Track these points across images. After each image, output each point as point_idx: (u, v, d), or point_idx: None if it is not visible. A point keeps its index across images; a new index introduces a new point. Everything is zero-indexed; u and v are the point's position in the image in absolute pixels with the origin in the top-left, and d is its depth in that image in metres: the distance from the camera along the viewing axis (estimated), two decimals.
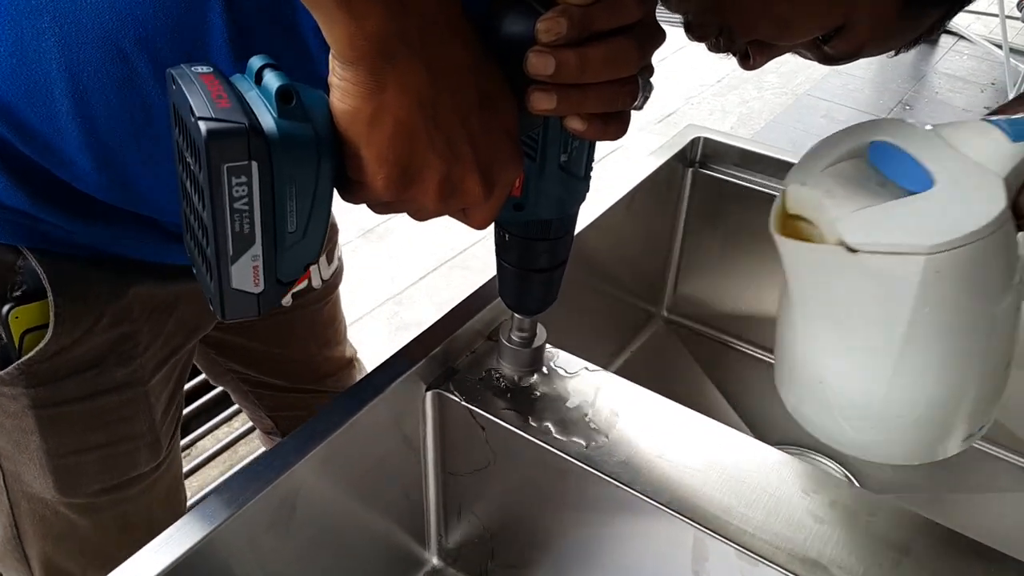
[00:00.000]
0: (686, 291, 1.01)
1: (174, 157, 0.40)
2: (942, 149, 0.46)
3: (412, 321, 1.82)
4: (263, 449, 1.16)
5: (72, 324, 0.52)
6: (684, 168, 0.91)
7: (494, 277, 0.69)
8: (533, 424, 0.58)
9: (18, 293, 0.51)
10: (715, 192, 0.91)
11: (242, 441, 1.44)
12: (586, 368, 0.63)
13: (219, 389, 1.48)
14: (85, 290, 0.52)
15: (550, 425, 0.58)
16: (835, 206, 0.46)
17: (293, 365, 0.81)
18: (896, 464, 0.55)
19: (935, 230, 0.43)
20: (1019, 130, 0.45)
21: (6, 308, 0.51)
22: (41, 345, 0.52)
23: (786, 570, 0.49)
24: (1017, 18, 3.07)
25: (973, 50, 3.44)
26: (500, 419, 0.59)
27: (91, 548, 0.63)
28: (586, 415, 0.59)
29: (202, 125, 0.34)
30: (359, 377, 0.88)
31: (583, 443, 0.57)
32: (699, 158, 0.91)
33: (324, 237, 0.40)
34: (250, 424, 1.44)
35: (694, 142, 0.90)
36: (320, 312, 0.79)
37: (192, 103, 0.34)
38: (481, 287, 0.68)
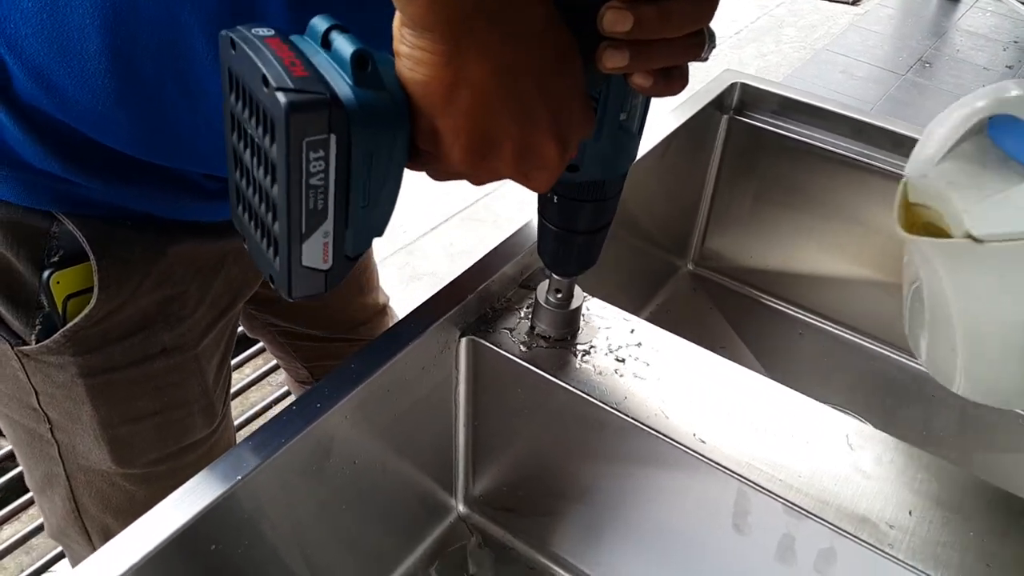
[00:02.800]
0: (714, 244, 0.99)
1: (225, 126, 0.37)
2: None
3: (424, 271, 1.80)
4: None
5: (117, 287, 0.50)
6: (720, 115, 0.88)
7: (525, 225, 0.67)
8: (569, 372, 0.57)
9: (56, 258, 0.49)
10: (751, 141, 0.88)
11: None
12: (623, 317, 0.61)
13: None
14: (127, 251, 0.50)
15: (587, 373, 0.56)
16: (960, 196, 0.45)
17: (329, 314, 0.80)
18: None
19: None
20: None
21: (46, 274, 0.49)
22: (87, 310, 0.50)
23: (834, 525, 0.48)
24: None
25: (996, 7, 3.36)
26: (535, 366, 0.57)
27: None
28: (623, 364, 0.57)
29: (281, 97, 0.31)
30: (391, 323, 0.87)
31: (621, 392, 0.55)
32: (736, 104, 0.88)
33: (392, 210, 0.38)
34: (284, 390, 1.44)
35: (731, 88, 0.87)
36: None
37: (266, 71, 0.31)
38: (513, 234, 0.66)
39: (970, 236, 0.44)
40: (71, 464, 0.59)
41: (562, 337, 0.59)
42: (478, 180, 0.39)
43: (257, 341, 0.96)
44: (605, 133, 0.43)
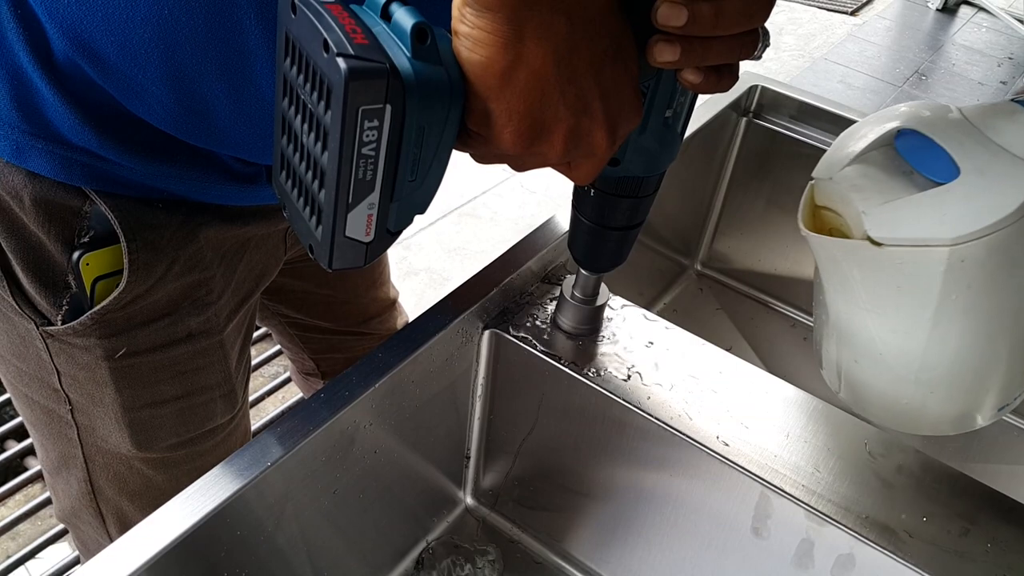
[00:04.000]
0: (723, 246, 0.99)
1: (277, 93, 0.36)
2: (969, 135, 0.45)
3: (421, 267, 1.79)
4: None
5: (147, 270, 0.50)
6: (738, 117, 0.89)
7: (548, 220, 0.67)
8: (591, 369, 0.57)
9: (86, 239, 0.48)
10: (766, 145, 0.88)
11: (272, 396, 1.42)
12: (645, 316, 0.61)
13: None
14: (157, 234, 0.49)
15: (609, 371, 0.56)
16: (861, 200, 0.47)
17: (341, 307, 0.80)
18: (929, 435, 0.56)
19: (959, 221, 0.43)
20: None
21: (76, 255, 0.48)
22: (116, 292, 0.49)
23: (855, 532, 0.48)
24: None
25: (992, 23, 3.39)
26: (557, 362, 0.57)
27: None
28: (646, 363, 0.57)
29: (341, 63, 0.30)
30: (401, 319, 0.87)
31: (643, 391, 0.55)
32: (754, 107, 0.88)
33: (437, 188, 0.37)
34: (284, 376, 1.43)
35: (751, 90, 0.87)
36: None
37: (327, 36, 0.31)
38: (536, 229, 0.66)
39: (869, 238, 0.45)
40: (89, 446, 0.58)
41: (585, 333, 0.59)
42: (522, 165, 0.39)
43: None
44: (650, 128, 0.43)
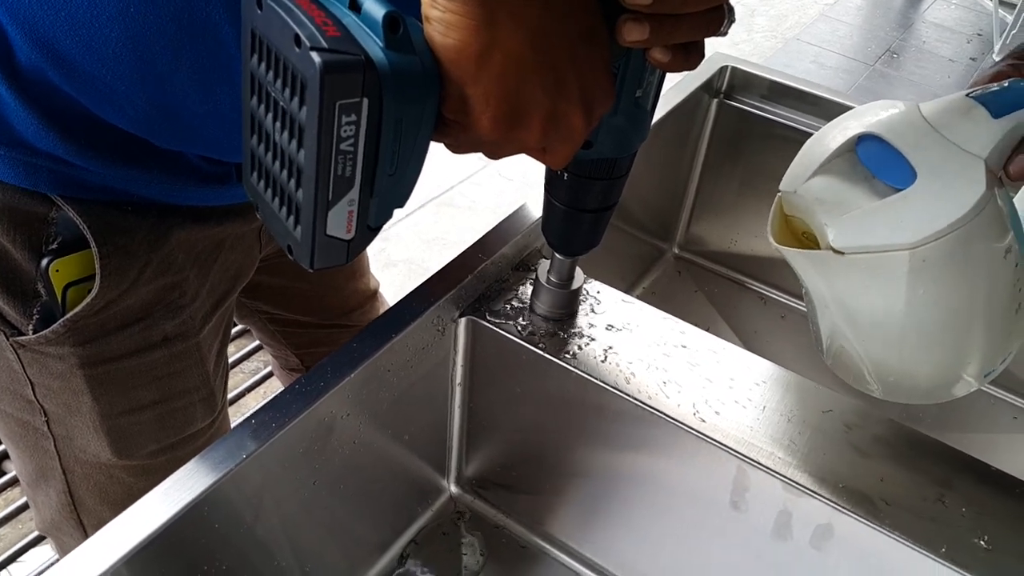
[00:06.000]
0: (699, 228, 0.99)
1: (245, 90, 0.36)
2: (926, 135, 0.47)
3: (399, 258, 1.79)
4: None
5: (119, 275, 0.49)
6: (709, 99, 0.89)
7: (521, 207, 0.67)
8: (568, 353, 0.57)
9: (54, 245, 0.47)
10: (739, 125, 0.89)
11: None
12: (622, 299, 0.62)
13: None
14: (127, 238, 0.49)
15: (587, 354, 0.57)
16: (824, 212, 0.49)
17: (320, 300, 0.79)
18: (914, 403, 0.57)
19: (917, 226, 0.45)
20: (1000, 105, 0.46)
21: (45, 261, 0.47)
22: (89, 299, 0.48)
23: (832, 501, 0.49)
24: None
25: (960, 0, 3.42)
26: (534, 346, 0.57)
27: None
28: (623, 345, 0.57)
29: (315, 56, 0.29)
30: (383, 310, 0.86)
31: (621, 373, 0.55)
32: (725, 88, 0.88)
33: (416, 180, 0.37)
34: (265, 371, 1.42)
35: (721, 71, 0.87)
36: None
37: (299, 30, 0.30)
38: (509, 216, 0.66)
39: (832, 248, 0.48)
40: (68, 457, 0.57)
41: (561, 317, 0.59)
42: (498, 152, 0.38)
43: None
44: (621, 109, 0.43)
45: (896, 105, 0.49)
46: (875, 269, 0.47)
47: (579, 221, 0.51)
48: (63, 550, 0.66)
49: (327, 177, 0.33)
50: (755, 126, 0.89)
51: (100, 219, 0.47)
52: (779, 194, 0.53)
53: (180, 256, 0.53)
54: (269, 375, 1.42)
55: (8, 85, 0.42)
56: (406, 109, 0.33)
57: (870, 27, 3.20)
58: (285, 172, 0.34)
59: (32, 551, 1.13)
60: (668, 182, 0.96)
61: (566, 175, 0.48)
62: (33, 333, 0.50)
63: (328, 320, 0.81)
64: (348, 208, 0.34)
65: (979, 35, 3.15)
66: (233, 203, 0.55)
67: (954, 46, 3.07)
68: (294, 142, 0.33)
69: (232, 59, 0.42)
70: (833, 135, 0.50)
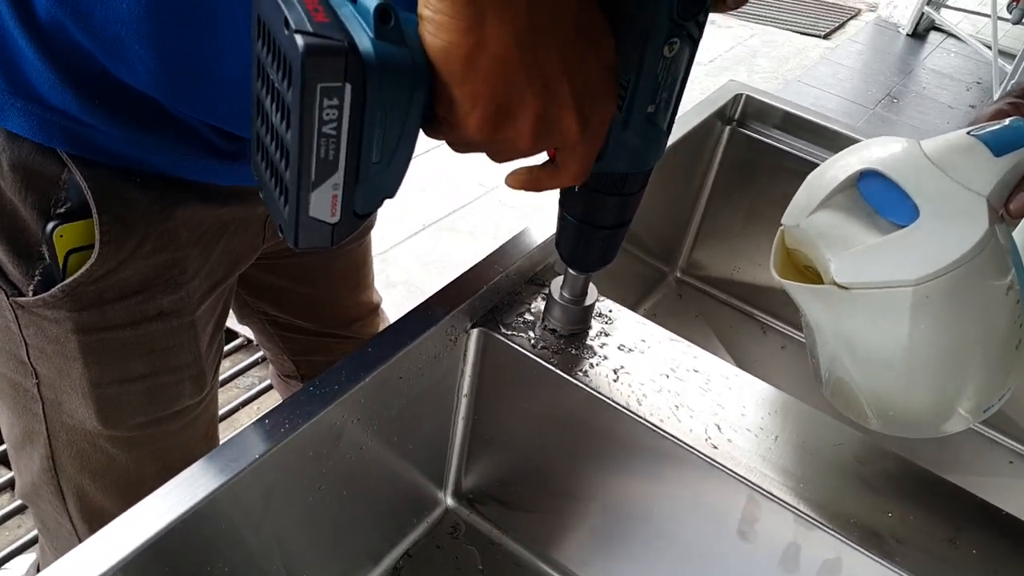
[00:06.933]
0: (702, 254, 1.00)
1: (252, 75, 0.37)
2: (928, 173, 0.47)
3: (399, 279, 1.77)
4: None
5: (117, 244, 0.49)
6: (722, 125, 0.89)
7: (536, 223, 0.66)
8: (580, 370, 0.56)
9: (62, 210, 0.48)
10: (750, 154, 0.89)
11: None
12: (636, 320, 0.61)
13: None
14: (128, 209, 0.49)
15: (598, 372, 0.56)
16: (827, 247, 0.49)
17: (323, 308, 0.79)
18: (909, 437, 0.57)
19: (920, 263, 0.46)
20: (1002, 143, 0.47)
21: (51, 226, 0.48)
22: (87, 266, 0.49)
23: (843, 537, 0.48)
24: (1007, 19, 3.09)
25: (960, 48, 3.48)
26: (546, 361, 0.56)
27: (128, 485, 0.61)
28: (635, 365, 0.57)
29: (299, 39, 0.31)
30: (383, 325, 0.86)
31: (632, 393, 0.55)
32: (738, 116, 0.89)
33: (405, 172, 0.37)
34: (260, 387, 1.40)
35: (736, 99, 0.88)
36: (353, 253, 0.77)
37: (288, 14, 0.31)
38: (522, 232, 0.66)
39: (835, 283, 0.48)
40: (54, 422, 0.57)
41: (573, 334, 0.59)
42: (496, 155, 0.39)
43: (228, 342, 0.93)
44: (632, 124, 0.42)
45: (898, 142, 0.49)
46: (878, 304, 0.48)
47: (592, 237, 0.50)
48: (40, 518, 0.66)
49: (309, 158, 0.33)
50: (766, 156, 0.89)
51: (104, 186, 0.48)
52: (781, 228, 0.54)
53: (183, 234, 0.53)
54: (263, 391, 1.41)
55: (28, 38, 0.42)
56: (392, 99, 0.34)
57: (870, 71, 3.24)
58: (279, 152, 0.35)
59: (19, 558, 1.12)
60: (675, 205, 0.96)
61: (578, 188, 0.48)
62: (32, 295, 0.50)
63: (328, 329, 0.81)
64: (332, 192, 0.35)
65: (978, 83, 3.20)
66: (241, 185, 0.55)
67: (953, 93, 3.12)
68: (284, 123, 0.34)
69: (242, 26, 0.42)
70: (835, 171, 0.51)
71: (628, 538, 0.61)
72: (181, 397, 0.60)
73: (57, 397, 0.55)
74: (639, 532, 0.60)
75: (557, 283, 0.59)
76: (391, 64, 0.33)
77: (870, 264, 0.47)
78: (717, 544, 0.55)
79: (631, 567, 0.62)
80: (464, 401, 0.63)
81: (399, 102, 0.34)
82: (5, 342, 0.54)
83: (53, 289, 0.49)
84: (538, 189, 0.42)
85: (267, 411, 0.45)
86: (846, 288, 0.48)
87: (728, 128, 0.90)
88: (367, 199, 0.37)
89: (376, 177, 0.36)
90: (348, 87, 0.32)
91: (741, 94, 0.88)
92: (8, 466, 1.22)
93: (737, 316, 0.99)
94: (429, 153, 2.00)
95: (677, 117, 0.88)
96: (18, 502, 1.16)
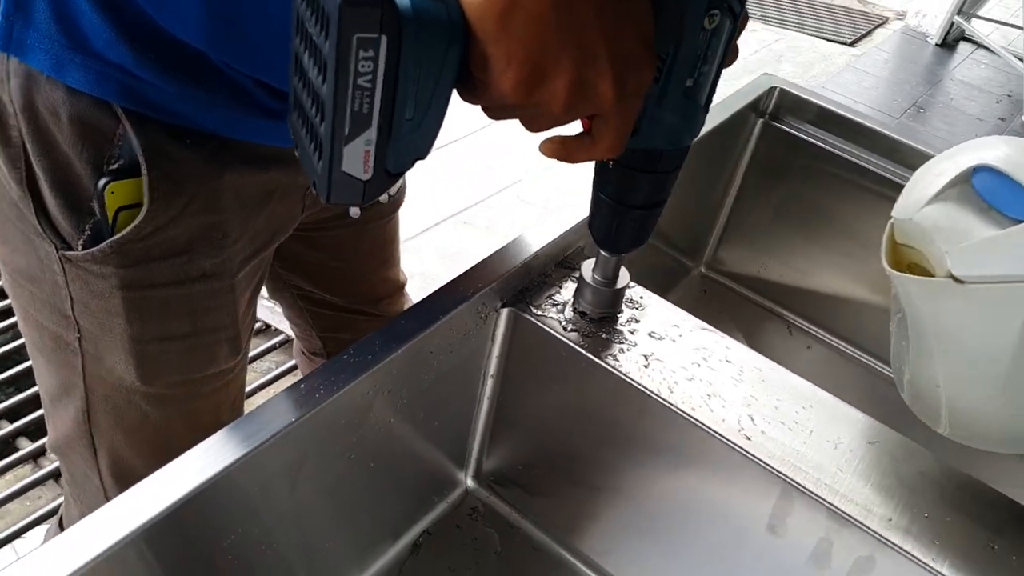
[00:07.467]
0: (728, 250, 0.98)
1: (292, 29, 0.37)
2: None
3: (416, 271, 1.76)
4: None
5: (165, 202, 0.50)
6: (755, 118, 0.88)
7: (566, 206, 0.66)
8: (612, 354, 0.55)
9: (115, 166, 0.49)
10: (782, 149, 0.88)
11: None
12: (667, 307, 0.60)
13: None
14: (178, 168, 0.50)
15: (630, 357, 0.55)
16: (943, 239, 0.49)
17: (352, 283, 0.80)
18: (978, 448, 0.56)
19: None
20: None
21: (103, 182, 0.48)
22: (136, 222, 0.50)
23: (877, 535, 0.47)
24: None
25: (991, 60, 3.43)
26: (577, 345, 0.56)
27: (159, 443, 0.61)
28: (666, 352, 0.56)
29: None
30: (407, 306, 0.85)
31: (664, 379, 0.54)
32: (772, 109, 0.87)
33: (437, 132, 0.37)
34: (277, 371, 1.40)
35: (770, 91, 0.87)
36: (384, 228, 0.78)
37: None
38: (553, 213, 0.65)
39: (952, 276, 0.47)
40: (92, 376, 0.58)
41: (603, 317, 0.58)
42: (531, 121, 0.38)
43: None
44: (669, 99, 0.42)
45: (1009, 139, 0.50)
46: (994, 300, 0.47)
47: (625, 217, 0.50)
48: (69, 471, 0.67)
49: (344, 111, 0.33)
50: (799, 151, 0.88)
51: (156, 143, 0.48)
52: (891, 221, 0.53)
53: (228, 197, 0.53)
54: (280, 375, 1.42)
55: None
56: (426, 53, 0.34)
57: (896, 80, 3.20)
58: (314, 107, 0.35)
59: (37, 528, 1.12)
60: (702, 198, 0.95)
61: (612, 164, 0.47)
62: (81, 249, 0.51)
63: (356, 305, 0.81)
64: (365, 147, 0.35)
65: (1008, 96, 3.16)
66: (284, 146, 0.55)
67: (982, 104, 3.08)
68: (320, 76, 0.34)
69: None
70: (944, 166, 0.51)
71: (651, 528, 0.60)
72: (217, 360, 0.60)
73: (97, 352, 0.56)
74: (663, 522, 0.59)
75: (588, 265, 0.58)
76: (427, 18, 0.33)
77: (988, 257, 0.47)
78: (745, 538, 0.54)
79: (653, 558, 0.61)
80: (490, 382, 0.62)
81: (434, 57, 0.34)
82: (51, 296, 0.54)
83: (102, 244, 0.50)
84: (571, 160, 0.42)
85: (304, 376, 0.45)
86: (962, 282, 0.47)
87: (761, 121, 0.89)
88: (399, 157, 0.37)
89: (409, 135, 0.36)
90: (384, 39, 0.32)
91: (775, 87, 0.87)
92: (29, 437, 1.23)
93: (762, 314, 0.98)
94: (446, 147, 1.99)
95: (714, 106, 0.86)
96: (38, 473, 1.18)
